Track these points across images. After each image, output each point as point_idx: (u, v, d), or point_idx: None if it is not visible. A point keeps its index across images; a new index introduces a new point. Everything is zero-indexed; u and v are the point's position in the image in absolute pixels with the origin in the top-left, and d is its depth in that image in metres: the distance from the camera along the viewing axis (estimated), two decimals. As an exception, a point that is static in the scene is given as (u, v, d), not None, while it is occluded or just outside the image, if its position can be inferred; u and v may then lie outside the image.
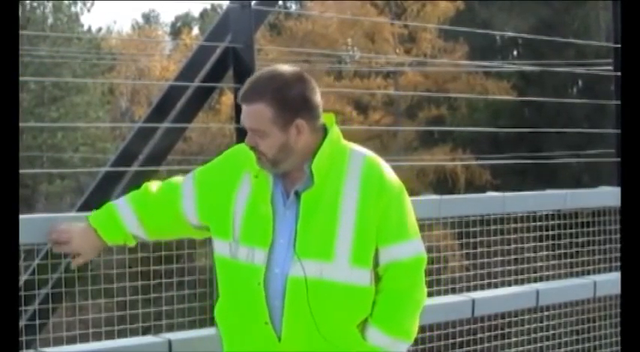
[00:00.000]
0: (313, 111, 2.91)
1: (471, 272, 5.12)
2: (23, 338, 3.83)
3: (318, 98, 2.94)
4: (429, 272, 4.91)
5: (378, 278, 2.96)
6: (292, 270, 2.85)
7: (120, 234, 3.15)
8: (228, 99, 21.96)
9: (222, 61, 6.02)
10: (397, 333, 2.96)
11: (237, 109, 8.52)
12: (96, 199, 6.70)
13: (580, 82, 27.20)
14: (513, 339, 5.32)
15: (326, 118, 2.98)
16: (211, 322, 3.92)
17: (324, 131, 2.95)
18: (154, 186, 3.19)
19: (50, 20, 27.67)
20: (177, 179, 3.18)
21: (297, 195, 2.91)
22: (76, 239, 3.15)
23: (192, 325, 4.15)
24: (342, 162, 2.93)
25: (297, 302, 2.85)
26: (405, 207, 2.98)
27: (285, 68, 2.92)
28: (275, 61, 23.95)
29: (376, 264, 2.94)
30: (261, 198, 2.92)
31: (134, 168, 7.33)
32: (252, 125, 2.87)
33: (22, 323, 3.99)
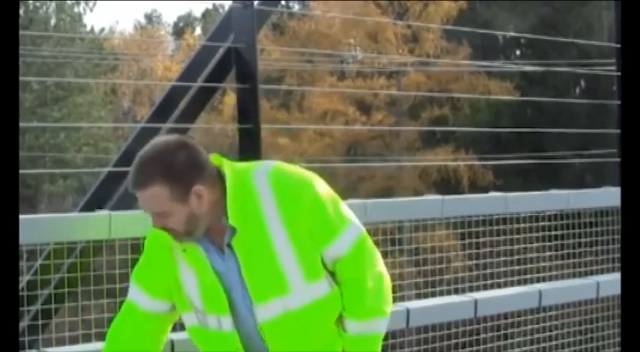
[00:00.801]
0: (205, 171, 2.85)
1: (474, 273, 5.12)
2: (26, 339, 3.83)
3: (204, 156, 2.88)
4: (431, 273, 4.94)
5: (333, 274, 2.97)
6: (259, 317, 2.88)
7: None
8: (230, 99, 21.95)
9: (224, 61, 6.02)
10: (368, 315, 2.96)
11: (240, 110, 8.59)
12: (98, 199, 6.70)
13: (583, 82, 27.18)
14: (516, 340, 5.32)
15: (215, 160, 2.92)
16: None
17: (221, 174, 2.89)
18: (111, 335, 3.13)
19: (53, 20, 27.69)
20: (123, 307, 3.13)
21: (230, 246, 2.89)
22: None
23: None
24: (251, 192, 2.87)
25: (277, 341, 2.90)
26: (321, 203, 2.91)
27: (164, 140, 2.88)
28: (278, 60, 23.96)
29: (325, 264, 2.94)
30: (201, 268, 2.92)
31: (136, 168, 7.34)
32: (152, 209, 2.84)
33: (24, 323, 3.99)
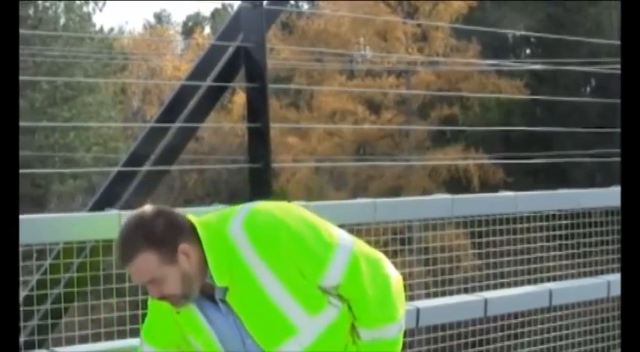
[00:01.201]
0: (186, 231, 2.85)
1: (484, 272, 5.11)
2: (35, 338, 3.83)
3: (181, 217, 2.88)
4: (441, 272, 4.93)
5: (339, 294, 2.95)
6: None
7: None
8: (240, 98, 21.96)
9: (233, 61, 6.02)
10: (380, 322, 2.95)
11: (250, 109, 8.57)
12: (108, 198, 6.71)
13: (593, 81, 27.11)
14: (526, 339, 5.31)
15: (189, 221, 2.90)
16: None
17: (197, 235, 2.88)
18: None
19: (62, 20, 27.73)
20: None
21: (225, 302, 2.88)
22: None
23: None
24: (231, 248, 2.84)
25: None
26: (300, 239, 2.86)
27: (139, 211, 2.88)
28: (287, 60, 23.96)
29: (325, 290, 2.91)
30: (195, 330, 2.93)
31: (146, 167, 7.34)
32: (146, 278, 2.82)
33: (34, 322, 4.00)
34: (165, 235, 2.81)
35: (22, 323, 4.18)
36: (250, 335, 2.87)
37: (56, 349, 3.47)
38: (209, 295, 2.90)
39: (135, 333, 3.89)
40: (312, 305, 2.87)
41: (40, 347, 3.73)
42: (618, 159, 3.05)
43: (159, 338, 3.06)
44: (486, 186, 20.25)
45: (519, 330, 5.29)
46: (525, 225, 5.14)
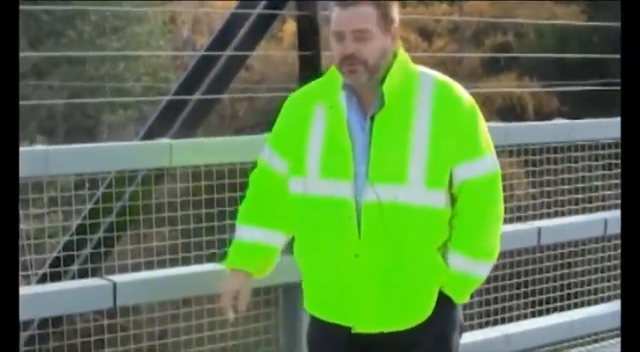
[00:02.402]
0: (396, 24, 2.93)
1: (537, 201, 5.05)
2: (89, 266, 3.88)
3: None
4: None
5: (453, 201, 2.92)
6: (366, 196, 2.83)
7: (267, 261, 3.14)
8: (290, 26, 21.81)
9: (283, -12, 5.94)
10: (479, 254, 2.93)
11: (300, 37, 8.49)
12: (159, 128, 6.73)
13: (651, 6, 26.45)
14: (579, 268, 5.26)
15: None
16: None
17: (394, 54, 2.93)
18: (248, 193, 3.16)
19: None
20: (258, 164, 3.15)
21: (372, 119, 2.87)
22: (234, 288, 3.10)
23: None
24: (412, 84, 2.89)
25: (373, 228, 2.83)
26: (476, 125, 2.93)
27: None
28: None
29: (451, 184, 2.89)
30: (338, 129, 2.89)
31: (196, 96, 7.35)
32: (358, 26, 2.83)
33: (87, 251, 4.04)
34: (391, 8, 2.91)
35: (75, 252, 4.23)
36: (366, 160, 2.85)
37: (109, 277, 3.49)
38: (362, 110, 2.89)
39: (187, 262, 3.91)
40: (434, 177, 2.84)
41: (93, 275, 3.77)
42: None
43: (282, 144, 3.03)
44: (540, 115, 19.99)
45: (573, 259, 5.25)
46: (580, 154, 5.05)
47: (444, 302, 2.94)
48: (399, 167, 2.83)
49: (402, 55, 2.94)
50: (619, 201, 5.29)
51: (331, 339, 2.99)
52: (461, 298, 2.98)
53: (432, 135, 2.84)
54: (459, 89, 2.94)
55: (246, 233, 3.11)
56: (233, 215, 4.10)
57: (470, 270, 2.93)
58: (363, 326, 2.91)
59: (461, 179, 2.88)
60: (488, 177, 2.91)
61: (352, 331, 2.92)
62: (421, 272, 2.88)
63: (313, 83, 3.08)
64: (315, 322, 3.05)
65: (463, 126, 2.88)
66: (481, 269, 2.97)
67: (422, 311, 2.91)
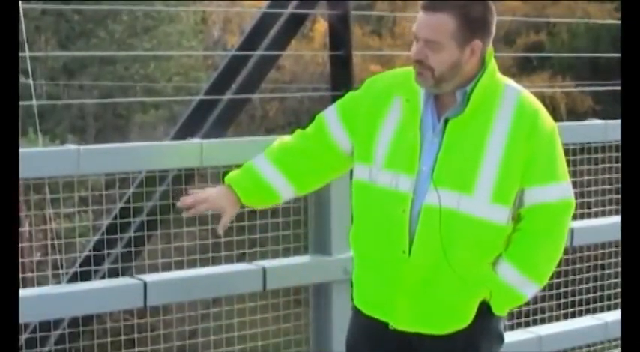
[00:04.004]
0: (488, 38, 2.86)
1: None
2: (119, 265, 3.88)
3: (494, 27, 2.89)
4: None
5: (517, 219, 2.88)
6: (428, 198, 2.80)
7: (263, 196, 3.08)
8: (321, 26, 21.80)
9: (314, -13, 5.93)
10: (530, 273, 2.89)
11: (332, 37, 8.46)
12: (189, 128, 6.74)
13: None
14: (613, 270, 5.20)
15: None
16: (305, 250, 3.91)
17: (483, 63, 2.88)
18: (288, 138, 3.13)
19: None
20: (317, 117, 3.12)
21: (446, 122, 2.84)
22: (214, 197, 3.04)
23: (286, 253, 4.14)
24: (496, 95, 2.85)
25: (428, 230, 2.81)
26: (555, 149, 2.88)
27: None
28: (368, -13, 23.63)
29: (520, 205, 2.86)
30: (411, 124, 2.86)
31: (227, 96, 7.35)
32: (430, 36, 2.78)
33: (117, 250, 4.05)
34: (475, 22, 2.82)
35: (105, 251, 4.24)
36: (432, 165, 2.82)
37: (139, 276, 3.49)
38: (437, 111, 2.86)
39: (217, 261, 3.91)
40: (501, 193, 2.81)
41: (123, 274, 3.77)
42: None
43: (350, 113, 3.01)
44: (573, 114, 19.86)
45: (606, 261, 5.19)
46: (615, 154, 4.99)
47: (486, 313, 2.91)
48: (467, 176, 2.80)
49: (492, 64, 2.88)
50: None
51: (370, 335, 2.98)
52: (501, 310, 2.95)
53: (506, 150, 2.80)
54: (541, 110, 2.90)
55: (261, 162, 3.07)
56: (263, 215, 4.10)
57: (518, 286, 2.89)
58: (400, 323, 2.89)
59: (532, 202, 2.85)
60: (560, 203, 2.87)
61: (390, 327, 2.90)
62: (468, 281, 2.85)
63: (400, 71, 3.03)
64: (357, 316, 3.04)
65: (540, 148, 2.84)
66: (528, 289, 2.93)
67: (461, 319, 2.89)
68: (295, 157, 3.06)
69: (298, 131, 3.13)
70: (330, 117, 3.06)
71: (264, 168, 3.05)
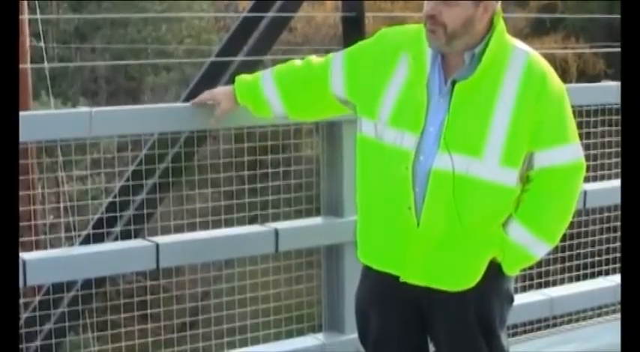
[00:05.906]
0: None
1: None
2: (132, 227, 3.88)
3: None
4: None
5: (526, 180, 2.87)
6: (439, 162, 2.79)
7: (257, 107, 3.27)
8: (333, -12, 21.66)
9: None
10: (541, 232, 2.88)
11: (343, -2, 8.30)
12: (201, 90, 6.71)
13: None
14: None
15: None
16: (317, 212, 3.91)
17: (491, 24, 2.84)
18: (298, 63, 3.20)
19: None
20: (328, 55, 3.16)
21: (453, 83, 2.82)
22: (217, 91, 3.41)
23: (298, 214, 4.14)
24: (504, 57, 2.82)
25: (440, 194, 2.79)
26: (564, 111, 2.86)
27: None
28: (380, -52, 23.46)
29: (530, 167, 2.84)
30: (417, 82, 2.84)
31: (239, 58, 7.32)
32: None
33: (130, 212, 4.05)
34: None
35: (118, 214, 4.24)
36: (440, 127, 2.81)
37: (151, 238, 3.50)
38: (444, 72, 2.84)
39: (229, 223, 3.91)
40: (510, 156, 2.79)
41: (136, 236, 3.78)
42: None
43: (358, 61, 3.02)
44: (585, 76, 19.75)
45: (618, 223, 5.18)
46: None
47: (496, 273, 2.90)
48: (475, 139, 2.78)
49: (501, 25, 2.84)
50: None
51: (380, 291, 2.98)
52: (512, 270, 2.94)
53: (515, 113, 2.77)
54: (550, 71, 2.86)
55: (266, 77, 3.23)
56: (275, 177, 4.09)
57: (529, 246, 2.89)
58: (410, 276, 2.90)
59: (542, 164, 2.83)
60: (571, 165, 2.86)
61: (400, 280, 2.91)
62: (477, 241, 2.85)
63: (410, 28, 3.01)
64: (366, 273, 3.04)
65: (549, 110, 2.81)
66: (539, 249, 2.92)
67: (472, 277, 2.88)
68: (295, 83, 3.18)
69: (309, 58, 3.21)
70: (336, 61, 3.09)
71: (266, 84, 3.21)
